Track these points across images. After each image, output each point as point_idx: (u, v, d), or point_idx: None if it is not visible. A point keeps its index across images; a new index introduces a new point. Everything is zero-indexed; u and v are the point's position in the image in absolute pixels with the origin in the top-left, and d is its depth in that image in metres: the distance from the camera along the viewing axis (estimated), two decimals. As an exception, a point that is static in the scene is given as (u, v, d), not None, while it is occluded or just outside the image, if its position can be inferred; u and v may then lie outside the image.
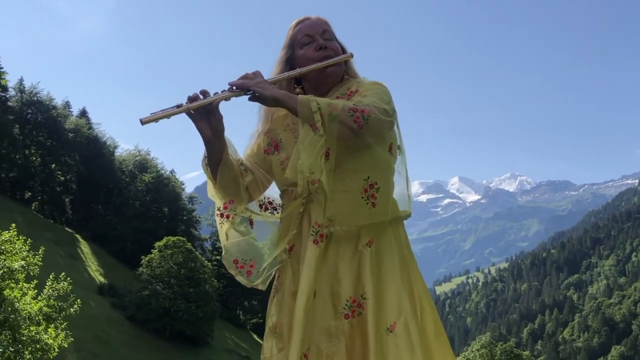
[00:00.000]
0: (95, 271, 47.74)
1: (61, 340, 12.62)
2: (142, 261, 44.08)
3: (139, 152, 64.04)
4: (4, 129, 48.03)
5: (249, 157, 2.43)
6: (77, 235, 52.43)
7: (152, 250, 44.50)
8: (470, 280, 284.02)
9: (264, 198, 2.47)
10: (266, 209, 2.47)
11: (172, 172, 67.78)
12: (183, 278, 43.19)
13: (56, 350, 12.42)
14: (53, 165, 52.99)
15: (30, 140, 52.23)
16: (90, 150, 55.69)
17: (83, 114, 61.97)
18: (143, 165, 61.42)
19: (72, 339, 13.85)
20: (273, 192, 2.47)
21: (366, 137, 2.06)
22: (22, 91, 52.93)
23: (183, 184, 66.42)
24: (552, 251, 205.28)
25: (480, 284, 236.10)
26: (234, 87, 2.13)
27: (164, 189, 57.88)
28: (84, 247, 50.74)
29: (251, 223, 2.43)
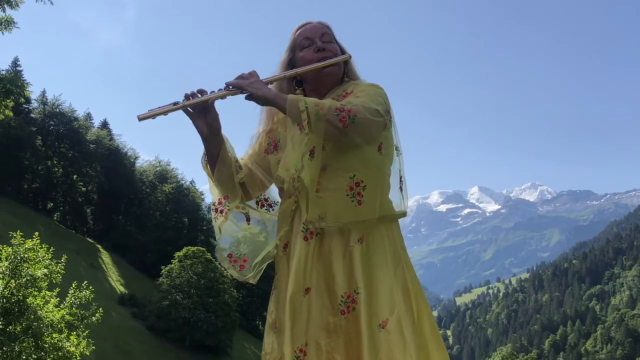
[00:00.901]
0: (116, 281, 48.08)
1: (83, 348, 12.71)
2: (162, 271, 44.29)
3: (159, 162, 64.62)
4: (27, 141, 48.70)
5: (250, 157, 2.52)
6: (99, 246, 52.86)
7: (172, 260, 44.71)
8: (490, 291, 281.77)
9: (260, 195, 2.54)
10: (262, 205, 2.55)
11: (192, 182, 68.34)
12: (203, 288, 43.32)
13: (78, 358, 12.52)
14: (75, 176, 53.59)
15: (53, 151, 52.92)
16: (112, 161, 56.25)
17: (104, 125, 62.66)
18: (163, 175, 61.92)
19: (93, 347, 13.95)
20: (272, 191, 2.55)
21: (353, 136, 2.12)
22: (45, 103, 53.66)
23: (203, 194, 66.77)
24: (574, 262, 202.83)
25: (500, 294, 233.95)
26: (230, 87, 2.21)
27: (183, 199, 58.28)
28: (105, 257, 51.12)
29: (248, 219, 2.50)
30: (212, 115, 2.29)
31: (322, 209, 2.17)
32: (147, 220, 55.82)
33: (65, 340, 12.45)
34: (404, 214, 2.39)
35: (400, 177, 2.42)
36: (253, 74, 2.24)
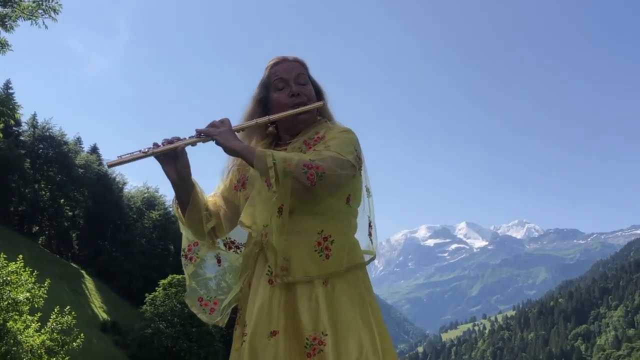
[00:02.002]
0: (99, 308, 47.45)
1: (62, 376, 12.53)
2: (147, 299, 43.81)
3: (147, 189, 64.41)
4: (15, 163, 48.44)
5: (222, 192, 2.52)
6: (83, 271, 52.26)
7: (156, 288, 44.27)
8: (476, 328, 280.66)
9: (227, 238, 2.53)
10: (229, 247, 2.54)
11: (179, 210, 67.94)
12: (186, 317, 42.75)
13: (57, 384, 12.33)
14: (62, 200, 53.22)
15: (41, 174, 52.65)
16: (100, 186, 55.98)
17: (94, 150, 62.57)
18: (151, 202, 61.69)
19: (73, 374, 13.76)
20: (239, 232, 2.52)
21: (319, 193, 2.12)
22: (35, 126, 53.52)
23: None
24: (560, 300, 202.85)
25: (486, 331, 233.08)
26: (201, 134, 2.22)
27: (170, 226, 57.89)
28: (89, 283, 50.53)
29: (219, 261, 2.51)
30: (181, 162, 2.29)
31: (286, 253, 2.16)
32: (133, 247, 55.40)
33: (44, 367, 12.26)
34: (373, 257, 2.40)
35: (370, 223, 2.42)
36: (225, 122, 2.24)
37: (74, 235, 57.36)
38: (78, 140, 60.50)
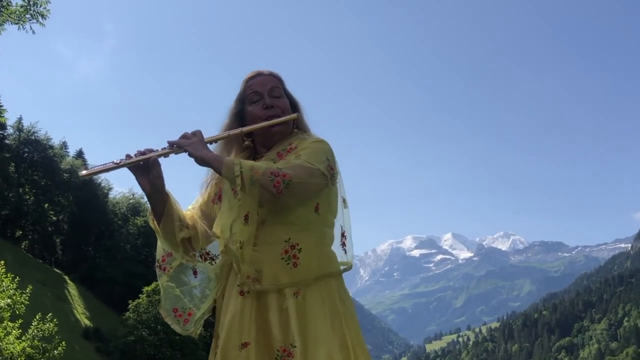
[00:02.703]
0: (81, 314, 47.04)
1: (42, 383, 12.35)
2: (130, 306, 43.52)
3: (133, 195, 63.95)
4: (-1, 167, 48.05)
5: (201, 206, 2.55)
6: (66, 277, 51.81)
7: (140, 295, 44.00)
8: (461, 339, 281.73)
9: (202, 249, 2.54)
10: (205, 259, 2.55)
11: (165, 216, 67.72)
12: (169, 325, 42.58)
13: (37, 393, 12.15)
14: (46, 205, 52.76)
15: (25, 178, 52.16)
16: (85, 191, 55.53)
17: (79, 155, 62.12)
18: (136, 208, 61.30)
19: (53, 382, 13.57)
20: (215, 244, 2.53)
21: (287, 200, 2.14)
22: (20, 130, 53.08)
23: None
24: (544, 312, 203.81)
25: (471, 343, 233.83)
26: (173, 145, 2.25)
27: (155, 234, 57.48)
28: (72, 289, 50.08)
29: (195, 273, 2.52)
30: (154, 173, 2.30)
31: (258, 264, 2.18)
32: (117, 253, 54.97)
33: (24, 375, 12.09)
34: (348, 267, 2.41)
35: (343, 233, 2.43)
36: (197, 134, 2.27)
37: (57, 240, 56.83)
38: (64, 145, 60.06)
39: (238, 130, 2.38)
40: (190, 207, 2.55)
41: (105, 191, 61.33)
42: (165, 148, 2.26)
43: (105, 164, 2.17)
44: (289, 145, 2.41)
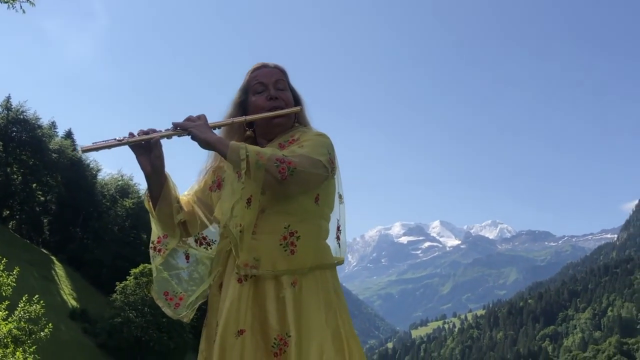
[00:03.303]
0: (68, 295, 46.95)
1: (28, 366, 12.31)
2: (117, 287, 43.47)
3: (122, 177, 63.72)
4: (-13, 146, 47.67)
5: (195, 193, 2.56)
6: (53, 257, 51.66)
7: (127, 277, 43.96)
8: (446, 326, 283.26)
9: (199, 234, 2.57)
10: (200, 244, 2.59)
11: (154, 199, 67.58)
12: (157, 307, 41.55)
13: (22, 375, 12.11)
14: (34, 185, 52.45)
15: (13, 158, 51.75)
16: (73, 172, 55.21)
17: (68, 135, 61.68)
18: (125, 190, 61.07)
19: (40, 364, 13.55)
20: (212, 229, 2.57)
21: (290, 188, 2.17)
22: (9, 109, 52.60)
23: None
24: (530, 301, 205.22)
25: (456, 329, 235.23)
26: (177, 127, 2.25)
27: (144, 215, 57.22)
28: (59, 270, 49.96)
29: (187, 257, 2.55)
30: (155, 153, 2.32)
31: (257, 252, 2.21)
32: (105, 235, 54.80)
33: (10, 356, 12.03)
34: (340, 262, 2.44)
35: (339, 227, 2.48)
36: (201, 117, 2.28)
37: (45, 220, 56.56)
38: (52, 125, 59.63)
39: (242, 118, 2.40)
40: (185, 193, 2.56)
41: (94, 172, 61.05)
42: (168, 129, 2.27)
43: (108, 140, 2.18)
44: (291, 137, 2.44)
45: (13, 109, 52.68)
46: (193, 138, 2.20)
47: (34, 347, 13.04)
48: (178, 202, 2.45)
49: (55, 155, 53.24)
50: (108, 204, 58.55)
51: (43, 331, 13.39)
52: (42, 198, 54.08)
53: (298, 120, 2.55)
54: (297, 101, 2.54)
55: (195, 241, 2.57)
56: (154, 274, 2.52)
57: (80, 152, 2.04)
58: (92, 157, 62.02)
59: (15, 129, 52.31)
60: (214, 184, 2.51)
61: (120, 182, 62.15)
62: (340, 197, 2.45)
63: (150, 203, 2.44)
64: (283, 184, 2.12)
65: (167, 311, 2.50)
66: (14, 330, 12.45)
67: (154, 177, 2.36)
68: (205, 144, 2.20)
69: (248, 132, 2.51)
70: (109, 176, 64.41)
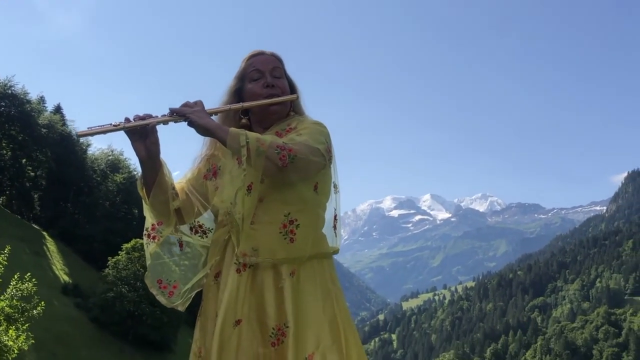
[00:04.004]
0: (60, 270, 46.96)
1: (21, 342, 12.32)
2: (109, 262, 43.52)
3: (112, 152, 63.32)
4: (-25, 121, 47.18)
5: (189, 181, 2.54)
6: (44, 233, 51.57)
7: (119, 252, 43.98)
8: (436, 298, 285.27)
9: (195, 221, 2.55)
10: (196, 232, 2.57)
11: (144, 173, 67.38)
12: (149, 281, 42.62)
13: (16, 352, 12.13)
14: (24, 160, 52.09)
15: (2, 133, 51.29)
16: (63, 147, 54.79)
17: (57, 110, 61.02)
18: (115, 165, 60.77)
19: (32, 341, 13.56)
20: (207, 217, 2.55)
21: (290, 175, 2.15)
22: (-4, 84, 52.04)
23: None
24: (519, 273, 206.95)
25: (446, 301, 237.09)
26: (174, 113, 2.22)
27: (135, 190, 56.20)
28: (50, 245, 49.91)
29: (180, 245, 2.54)
30: (151, 139, 2.28)
31: (255, 242, 2.19)
32: (96, 210, 54.64)
33: (3, 334, 12.05)
34: (336, 251, 2.44)
35: (335, 216, 2.47)
36: (198, 104, 2.25)
37: (35, 196, 56.26)
38: (41, 100, 58.92)
39: (239, 105, 2.37)
40: (179, 180, 2.54)
41: (84, 147, 60.55)
42: (165, 115, 2.24)
43: (103, 125, 2.15)
44: (288, 125, 2.43)
45: (0, 84, 52.05)
46: (190, 124, 2.18)
47: (26, 325, 13.05)
48: (173, 188, 2.43)
49: (44, 130, 52.77)
50: (99, 179, 58.30)
51: (36, 309, 13.37)
52: (32, 173, 53.74)
53: (294, 108, 2.53)
54: (292, 90, 2.52)
55: (190, 229, 2.55)
56: (148, 262, 2.50)
57: (75, 136, 1.96)
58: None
59: (3, 104, 51.71)
60: (209, 172, 2.49)
61: (110, 157, 61.79)
62: (335, 186, 2.44)
63: (144, 189, 2.42)
64: (283, 171, 2.11)
65: (161, 299, 2.48)
66: (7, 309, 12.44)
67: (149, 163, 2.33)
68: (203, 130, 2.17)
69: (243, 120, 2.50)
70: (99, 151, 64.02)
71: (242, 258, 2.19)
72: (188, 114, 2.17)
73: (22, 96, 52.83)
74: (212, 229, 2.51)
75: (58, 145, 54.16)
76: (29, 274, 13.99)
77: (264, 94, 2.42)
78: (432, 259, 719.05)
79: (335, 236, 2.46)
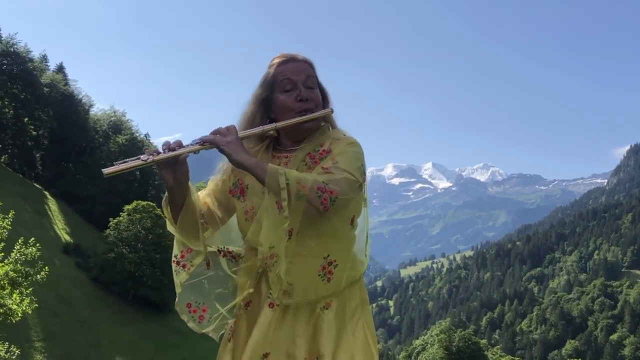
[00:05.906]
0: (61, 229, 47.19)
1: (25, 306, 12.40)
2: (110, 223, 43.69)
3: (114, 112, 63.10)
4: (-23, 78, 46.89)
5: (213, 192, 2.41)
6: (46, 192, 51.67)
7: (120, 213, 44.12)
8: (435, 266, 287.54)
9: (224, 247, 2.42)
10: (224, 256, 2.43)
11: (146, 135, 67.20)
12: (150, 243, 42.90)
13: (19, 315, 12.23)
14: (26, 119, 51.94)
15: (4, 91, 51.02)
16: (65, 107, 54.59)
17: (60, 69, 60.55)
18: (117, 126, 60.58)
19: (36, 305, 13.65)
20: (235, 238, 2.43)
21: (330, 217, 2.04)
22: (-1, 41, 51.60)
23: (157, 148, 65.56)
24: (518, 243, 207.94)
25: (444, 270, 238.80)
26: (205, 142, 2.10)
27: (137, 151, 56.92)
28: (52, 205, 50.06)
29: (207, 265, 2.39)
30: (181, 169, 2.16)
31: (291, 277, 2.10)
32: (98, 171, 54.49)
33: (7, 298, 12.10)
34: (364, 270, 2.38)
35: (367, 236, 2.38)
36: (231, 131, 2.11)
37: (37, 155, 56.23)
38: (44, 58, 58.56)
39: (272, 126, 2.24)
40: (203, 193, 2.41)
41: (87, 107, 60.33)
42: (195, 142, 2.12)
43: (128, 160, 2.04)
44: (321, 146, 2.28)
45: (3, 41, 51.59)
46: (226, 157, 2.07)
47: (30, 289, 13.10)
48: (204, 217, 2.32)
49: (46, 89, 52.49)
50: (101, 139, 58.18)
51: (39, 274, 13.38)
52: (34, 132, 53.62)
53: (325, 119, 2.37)
54: (324, 98, 2.36)
55: (219, 252, 2.43)
56: (178, 290, 2.37)
57: (104, 175, 1.81)
58: (84, 92, 61.31)
59: (5, 61, 51.33)
60: (235, 187, 2.35)
61: (113, 118, 61.56)
62: (364, 201, 2.30)
63: (169, 210, 2.29)
64: (324, 215, 1.99)
65: (192, 325, 2.36)
66: (11, 273, 12.46)
67: (177, 189, 2.20)
68: (240, 166, 2.05)
69: (271, 132, 2.33)
70: (102, 112, 63.78)
71: (277, 300, 2.12)
72: (222, 146, 2.05)
73: (24, 54, 52.42)
74: (241, 255, 2.37)
75: (60, 105, 53.97)
76: (32, 239, 13.97)
77: (296, 109, 2.25)
78: (432, 227, 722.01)
79: (365, 250, 2.37)
